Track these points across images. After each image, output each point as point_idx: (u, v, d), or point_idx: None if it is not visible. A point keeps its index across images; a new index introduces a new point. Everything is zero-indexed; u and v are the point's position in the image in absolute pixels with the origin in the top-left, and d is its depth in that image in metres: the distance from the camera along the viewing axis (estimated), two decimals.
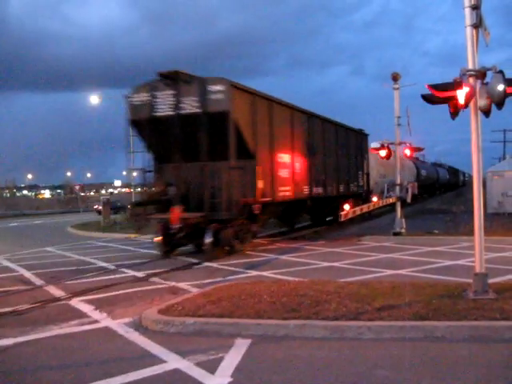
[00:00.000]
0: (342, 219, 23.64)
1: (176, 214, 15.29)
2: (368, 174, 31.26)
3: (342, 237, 22.61)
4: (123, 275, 13.56)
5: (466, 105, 8.39)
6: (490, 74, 8.62)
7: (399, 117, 20.38)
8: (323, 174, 23.35)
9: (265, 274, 12.76)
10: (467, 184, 70.42)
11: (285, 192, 19.14)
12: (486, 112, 8.85)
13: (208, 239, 15.17)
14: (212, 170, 16.09)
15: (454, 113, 9.10)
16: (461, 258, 14.55)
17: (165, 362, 6.73)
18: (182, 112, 16.00)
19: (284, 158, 19.13)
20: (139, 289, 11.41)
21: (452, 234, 20.97)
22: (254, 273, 12.99)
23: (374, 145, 20.76)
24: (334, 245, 18.87)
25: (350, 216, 23.35)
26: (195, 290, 10.64)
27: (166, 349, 7.20)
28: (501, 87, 8.20)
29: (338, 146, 25.61)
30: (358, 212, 23.62)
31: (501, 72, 8.29)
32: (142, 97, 16.55)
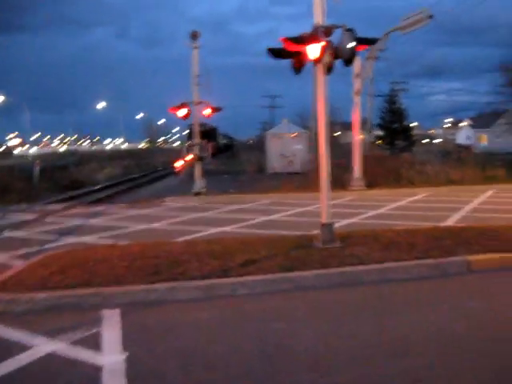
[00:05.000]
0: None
1: None
2: None
3: (141, 199, 21.97)
4: None
5: (320, 59, 8.45)
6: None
7: (199, 75, 20.22)
8: None
9: (86, 239, 11.61)
10: (235, 146, 73.91)
11: None
12: (330, 69, 9.07)
13: None
14: None
15: (299, 68, 9.18)
16: (271, 214, 15.09)
17: (31, 347, 5.55)
18: None
19: None
20: None
21: (247, 192, 21.76)
22: (72, 239, 11.72)
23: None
24: (139, 207, 18.17)
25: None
26: (20, 262, 9.15)
27: (24, 331, 5.99)
28: (351, 45, 8.43)
29: None
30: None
31: (351, 30, 8.50)
32: None
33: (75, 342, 5.64)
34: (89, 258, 8.56)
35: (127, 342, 5.59)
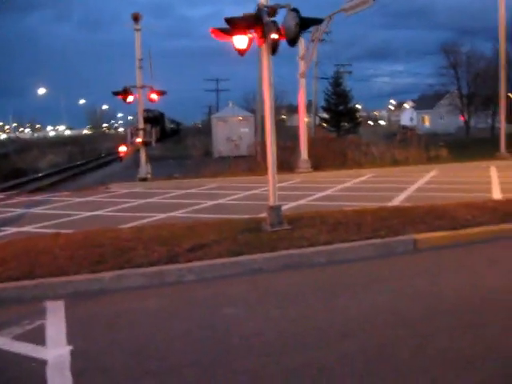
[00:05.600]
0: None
1: None
2: None
3: (85, 186, 21.46)
4: None
5: (265, 40, 8.34)
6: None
7: (142, 59, 19.78)
8: None
9: (27, 229, 11.19)
10: (182, 131, 73.31)
11: None
12: (275, 49, 8.97)
13: None
14: None
15: (244, 50, 9.01)
16: (218, 198, 14.98)
17: None
18: None
19: None
20: None
21: (193, 176, 21.57)
22: (13, 229, 11.27)
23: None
24: (83, 194, 17.68)
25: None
26: None
27: None
28: (296, 24, 8.33)
29: None
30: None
31: (295, 10, 8.40)
32: None
33: (18, 336, 5.42)
34: (31, 248, 8.24)
35: (72, 335, 5.40)
